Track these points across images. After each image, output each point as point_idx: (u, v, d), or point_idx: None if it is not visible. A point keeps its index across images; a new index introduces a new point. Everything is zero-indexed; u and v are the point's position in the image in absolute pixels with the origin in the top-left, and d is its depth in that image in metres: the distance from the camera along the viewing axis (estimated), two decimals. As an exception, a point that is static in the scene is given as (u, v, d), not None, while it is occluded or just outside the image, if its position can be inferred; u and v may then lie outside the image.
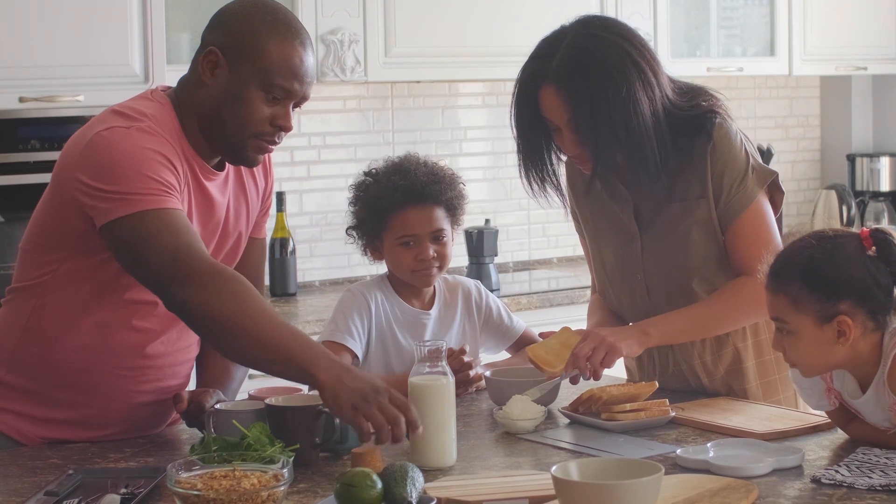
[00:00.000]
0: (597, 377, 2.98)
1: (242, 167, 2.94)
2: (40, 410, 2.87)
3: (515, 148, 3.14)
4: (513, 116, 3.11)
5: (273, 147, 2.85)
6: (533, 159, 3.12)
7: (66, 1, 4.34)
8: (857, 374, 2.63)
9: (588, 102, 2.95)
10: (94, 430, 2.87)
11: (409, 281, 3.29)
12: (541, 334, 3.25)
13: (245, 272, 2.84)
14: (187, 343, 2.94)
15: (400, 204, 3.22)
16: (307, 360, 2.56)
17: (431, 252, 3.24)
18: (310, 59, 2.81)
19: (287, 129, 2.81)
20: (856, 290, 2.54)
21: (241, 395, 2.98)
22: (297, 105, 2.82)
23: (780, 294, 2.58)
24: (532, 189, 3.15)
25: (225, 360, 2.95)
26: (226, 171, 2.91)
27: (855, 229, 2.65)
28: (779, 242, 3.07)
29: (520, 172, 3.15)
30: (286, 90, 2.77)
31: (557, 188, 3.17)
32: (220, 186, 2.89)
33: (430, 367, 2.68)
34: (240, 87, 2.76)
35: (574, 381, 3.00)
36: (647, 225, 3.15)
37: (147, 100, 2.84)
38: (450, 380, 2.68)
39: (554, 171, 3.15)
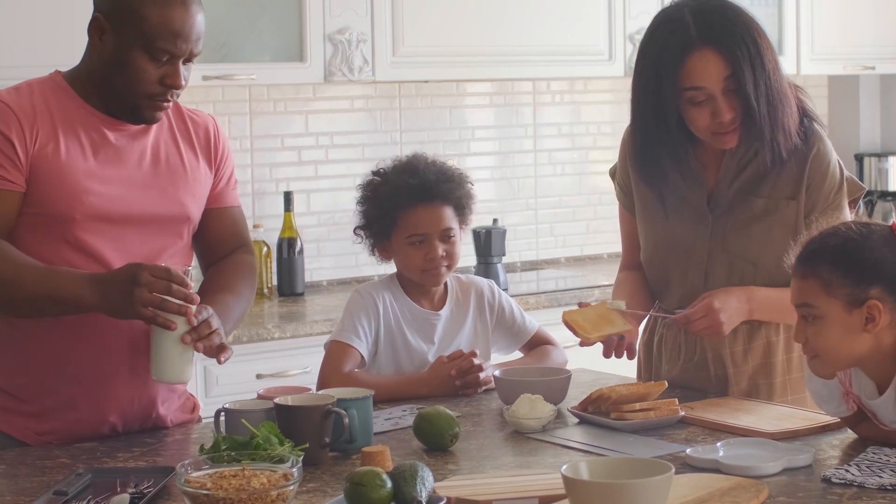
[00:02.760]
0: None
1: (177, 132, 3.01)
2: (35, 404, 2.89)
3: (633, 126, 3.17)
4: (646, 89, 3.08)
5: (168, 104, 2.90)
6: (651, 134, 3.12)
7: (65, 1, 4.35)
8: (874, 374, 2.63)
9: (747, 59, 3.00)
10: (88, 413, 2.88)
11: (419, 280, 3.29)
12: (580, 304, 3.21)
13: (224, 239, 3.05)
14: None
15: (410, 203, 3.23)
16: (71, 296, 2.73)
17: (441, 251, 3.24)
18: (193, 18, 2.85)
19: (177, 87, 2.87)
20: (888, 275, 2.54)
21: (251, 394, 2.98)
22: (187, 60, 2.87)
23: (810, 278, 2.58)
24: (646, 165, 3.18)
25: (219, 295, 2.98)
26: (143, 126, 2.96)
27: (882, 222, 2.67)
28: None
29: (635, 148, 3.18)
30: (170, 52, 2.83)
31: (651, 166, 3.18)
32: (134, 135, 2.94)
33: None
34: (124, 52, 2.83)
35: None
36: (721, 212, 3.17)
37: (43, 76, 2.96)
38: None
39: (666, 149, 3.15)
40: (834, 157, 3.15)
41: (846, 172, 3.17)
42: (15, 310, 2.82)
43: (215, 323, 2.80)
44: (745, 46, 3.00)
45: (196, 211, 3.02)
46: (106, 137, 2.90)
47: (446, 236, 3.27)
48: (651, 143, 3.14)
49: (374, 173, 3.34)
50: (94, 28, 2.87)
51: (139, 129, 2.94)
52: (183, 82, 2.86)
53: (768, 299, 3.09)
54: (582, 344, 3.09)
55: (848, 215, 3.16)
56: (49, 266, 2.78)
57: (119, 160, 2.91)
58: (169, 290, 2.69)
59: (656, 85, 3.06)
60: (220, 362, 2.81)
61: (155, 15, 2.80)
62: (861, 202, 3.26)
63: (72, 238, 2.85)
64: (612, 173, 3.40)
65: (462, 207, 3.32)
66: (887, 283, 2.54)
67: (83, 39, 2.93)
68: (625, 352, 3.10)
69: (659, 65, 3.05)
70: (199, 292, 2.89)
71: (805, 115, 3.14)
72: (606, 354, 3.10)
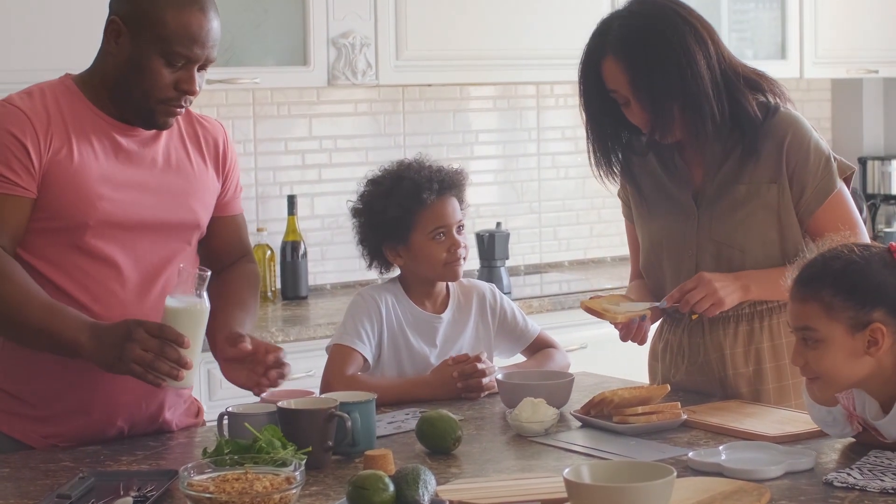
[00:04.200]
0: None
1: (186, 138, 3.02)
2: (41, 410, 2.90)
3: (585, 134, 3.27)
4: (581, 98, 3.22)
5: (180, 110, 2.91)
6: (601, 141, 3.24)
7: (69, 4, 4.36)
8: (877, 394, 2.61)
9: (644, 63, 3.07)
10: (98, 417, 2.88)
11: (440, 276, 3.29)
12: (591, 298, 3.23)
13: (230, 247, 3.08)
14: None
15: (433, 196, 3.24)
16: (69, 339, 2.72)
17: (461, 242, 3.27)
18: (210, 24, 2.85)
19: (192, 92, 2.87)
20: (890, 298, 2.52)
21: (254, 398, 2.99)
22: (202, 67, 2.87)
23: (811, 301, 2.55)
24: (600, 173, 3.29)
25: (230, 310, 3.00)
26: (154, 131, 2.96)
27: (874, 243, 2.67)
28: (862, 226, 3.18)
29: (588, 158, 3.28)
30: (186, 57, 2.83)
31: (621, 171, 3.29)
32: (146, 140, 2.94)
33: (187, 292, 2.77)
34: (141, 56, 2.83)
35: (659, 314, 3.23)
36: (706, 204, 3.21)
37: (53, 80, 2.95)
38: (204, 304, 2.76)
39: (618, 154, 3.27)
40: (814, 135, 3.18)
41: (833, 153, 3.20)
42: (14, 335, 2.82)
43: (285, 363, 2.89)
44: (646, 52, 3.07)
45: (205, 217, 3.03)
46: (118, 143, 2.90)
47: (460, 229, 3.30)
48: (605, 140, 3.25)
49: (374, 182, 3.33)
50: (111, 31, 2.86)
51: (150, 134, 2.94)
52: (197, 88, 2.87)
53: (760, 275, 3.13)
54: (613, 323, 3.15)
55: (846, 189, 3.18)
56: (56, 302, 2.77)
57: (131, 166, 2.91)
58: (162, 350, 2.68)
59: (586, 87, 3.20)
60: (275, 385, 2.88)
61: (173, 19, 2.80)
62: (864, 206, 3.27)
63: (83, 244, 2.85)
64: (619, 193, 3.44)
65: (462, 201, 3.35)
66: (889, 306, 2.52)
67: (93, 43, 2.94)
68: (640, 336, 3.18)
69: (584, 68, 3.19)
70: (211, 303, 2.94)
71: (776, 97, 3.20)
72: (625, 338, 3.17)
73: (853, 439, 2.74)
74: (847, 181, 3.20)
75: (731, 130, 3.16)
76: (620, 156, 3.27)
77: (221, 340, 2.92)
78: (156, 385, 2.71)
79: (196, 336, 2.76)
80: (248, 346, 2.87)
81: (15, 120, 2.81)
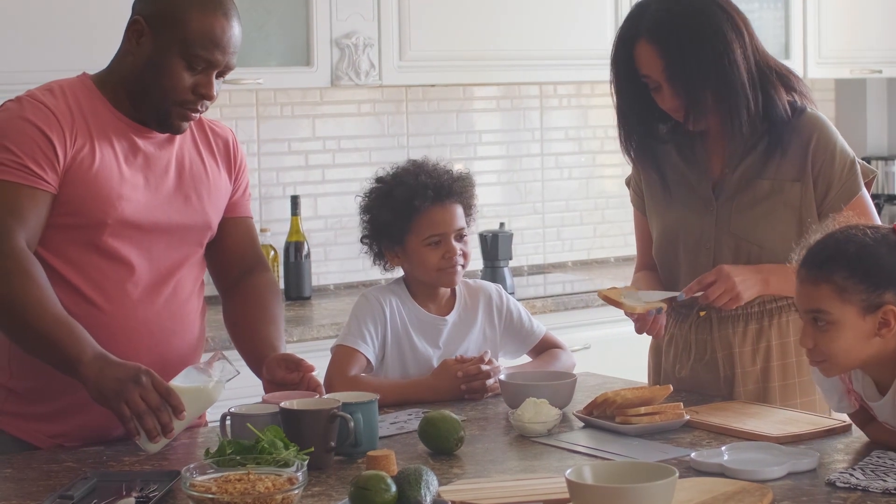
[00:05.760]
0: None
1: (199, 142, 3.03)
2: (47, 406, 2.90)
3: (616, 118, 3.29)
4: (612, 82, 3.23)
5: (197, 115, 2.92)
6: (630, 123, 3.26)
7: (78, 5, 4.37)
8: (876, 374, 2.63)
9: (679, 48, 3.07)
10: (102, 416, 2.87)
11: (435, 282, 3.29)
12: (611, 288, 3.23)
13: (242, 250, 3.09)
14: (175, 308, 2.97)
15: (427, 203, 3.23)
16: (72, 353, 2.70)
17: (458, 250, 3.26)
18: (233, 30, 2.87)
19: (209, 97, 2.88)
20: None
21: (256, 398, 2.99)
22: (221, 74, 2.88)
23: (824, 284, 2.55)
24: (630, 157, 3.31)
25: (267, 327, 3.05)
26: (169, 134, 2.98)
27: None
28: None
29: (619, 139, 3.30)
30: (207, 60, 2.84)
31: (646, 157, 3.29)
32: (161, 143, 2.95)
33: (206, 373, 2.79)
34: (162, 57, 2.84)
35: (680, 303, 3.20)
36: (726, 197, 3.21)
37: (72, 78, 2.96)
38: (214, 394, 2.79)
39: (650, 137, 3.27)
40: (839, 138, 3.19)
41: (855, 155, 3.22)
42: (18, 335, 2.80)
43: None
44: (681, 38, 3.08)
45: (217, 220, 3.05)
46: (136, 144, 2.91)
47: (460, 235, 3.29)
48: (632, 124, 3.26)
49: (380, 180, 3.34)
50: (133, 31, 2.87)
51: (164, 138, 2.96)
52: (215, 94, 2.87)
53: (781, 269, 3.09)
54: (630, 314, 3.14)
55: (867, 194, 3.19)
56: (71, 318, 2.75)
57: (148, 168, 2.92)
58: (158, 410, 2.67)
59: (617, 69, 3.21)
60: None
61: (197, 22, 2.81)
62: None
63: (101, 243, 2.86)
64: (628, 181, 3.44)
65: (469, 207, 3.34)
66: None
67: (111, 43, 2.95)
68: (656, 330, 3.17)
69: (616, 51, 3.20)
70: (247, 320, 3.02)
71: (802, 96, 3.21)
72: (640, 330, 3.16)
73: (856, 440, 2.75)
74: (868, 186, 3.20)
75: (760, 124, 3.16)
76: (644, 141, 3.27)
77: (273, 361, 2.95)
78: (129, 433, 2.70)
79: (192, 415, 2.77)
80: (300, 377, 2.92)
81: (41, 115, 2.82)
